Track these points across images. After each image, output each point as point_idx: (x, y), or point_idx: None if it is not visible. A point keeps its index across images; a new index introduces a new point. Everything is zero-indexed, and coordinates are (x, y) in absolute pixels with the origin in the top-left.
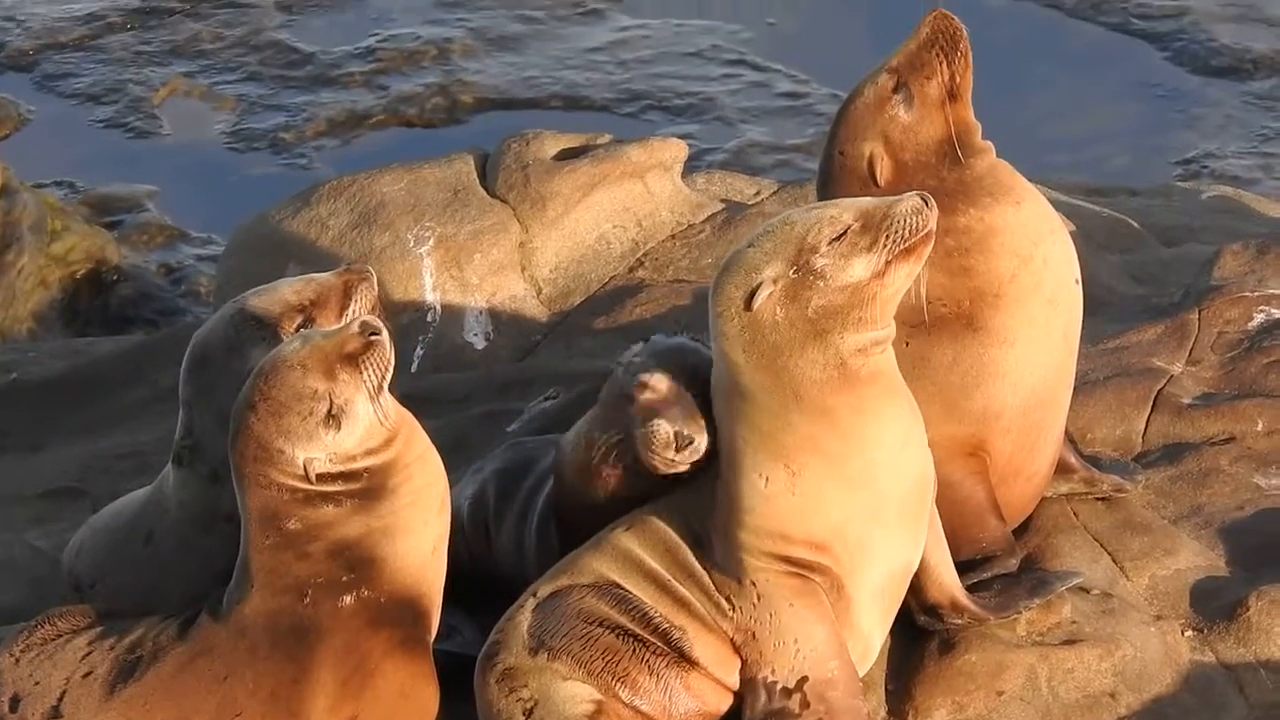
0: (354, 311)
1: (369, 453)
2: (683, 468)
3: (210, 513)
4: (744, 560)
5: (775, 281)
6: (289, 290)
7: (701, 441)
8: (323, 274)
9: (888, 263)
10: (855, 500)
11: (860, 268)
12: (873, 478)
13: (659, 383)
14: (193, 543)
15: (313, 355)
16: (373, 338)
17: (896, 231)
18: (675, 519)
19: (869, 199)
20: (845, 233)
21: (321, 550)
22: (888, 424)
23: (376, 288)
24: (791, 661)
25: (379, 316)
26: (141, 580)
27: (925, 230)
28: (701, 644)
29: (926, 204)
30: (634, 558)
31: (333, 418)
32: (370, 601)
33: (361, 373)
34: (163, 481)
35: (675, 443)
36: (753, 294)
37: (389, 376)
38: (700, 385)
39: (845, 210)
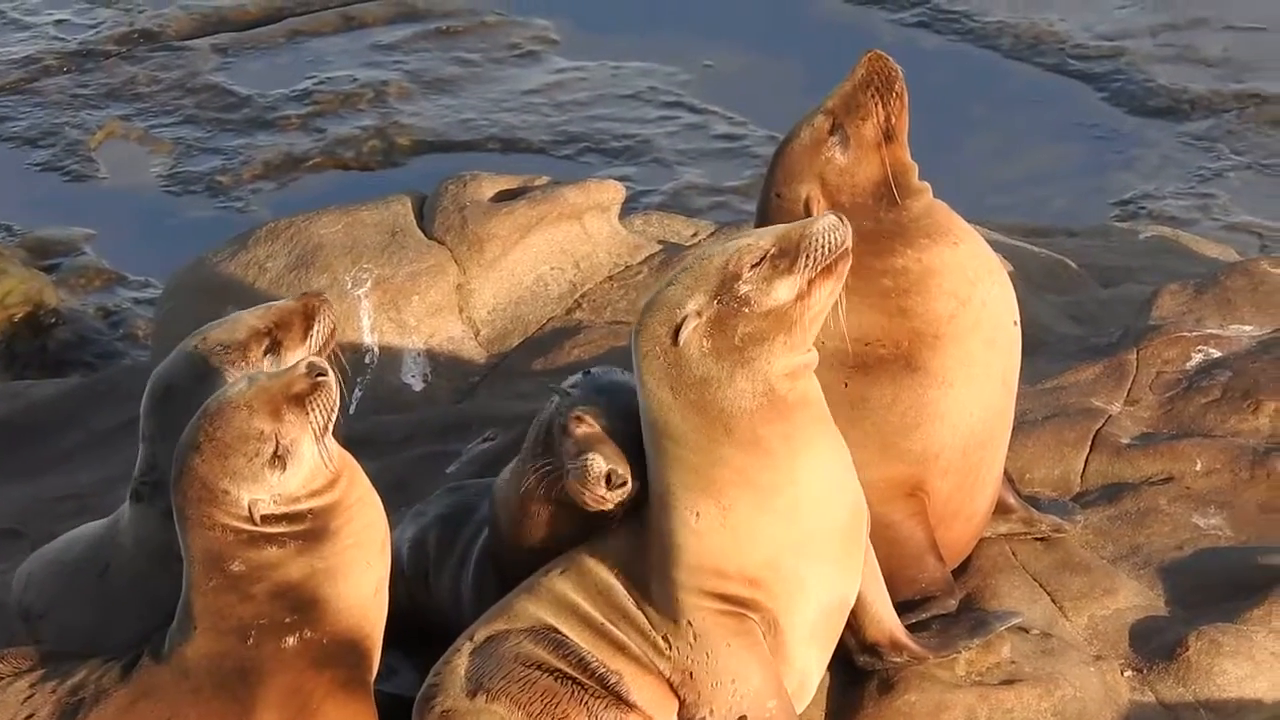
0: (317, 334)
1: (313, 494)
2: (609, 505)
3: (167, 550)
4: (680, 599)
5: (700, 314)
6: (251, 317)
7: (631, 480)
8: (282, 301)
9: (810, 282)
10: (787, 532)
11: (783, 290)
12: (804, 509)
13: (595, 418)
14: (148, 579)
15: (259, 396)
16: (319, 379)
17: (815, 250)
18: (609, 561)
19: (784, 224)
20: (764, 258)
21: (265, 592)
22: (818, 453)
23: (333, 312)
24: (730, 700)
25: (334, 341)
26: (94, 614)
27: (843, 247)
28: (638, 687)
29: (842, 221)
30: (568, 602)
31: (278, 459)
32: (313, 643)
33: (308, 414)
34: (119, 517)
35: (607, 480)
36: (678, 329)
37: (335, 417)
38: (635, 423)
39: (762, 237)
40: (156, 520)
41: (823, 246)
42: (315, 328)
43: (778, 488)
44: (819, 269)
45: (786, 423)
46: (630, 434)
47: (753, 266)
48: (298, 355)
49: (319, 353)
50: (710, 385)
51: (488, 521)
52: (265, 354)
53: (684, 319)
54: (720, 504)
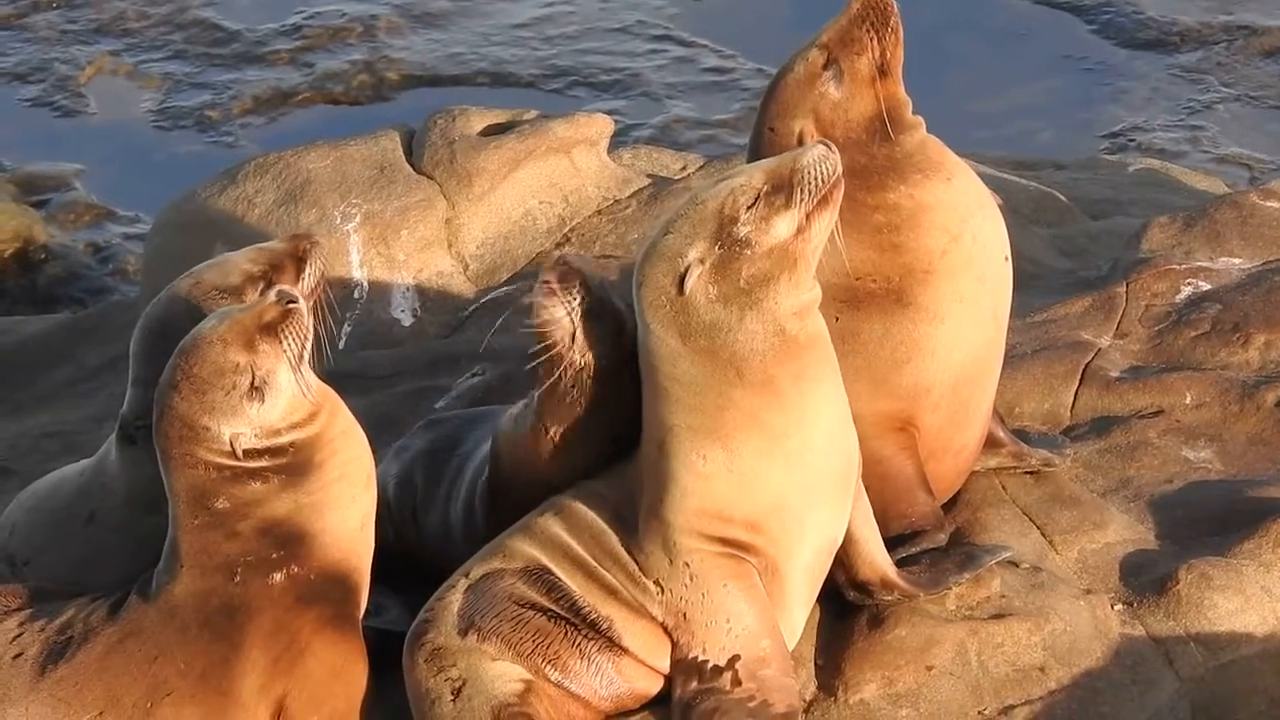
0: (309, 275)
1: (293, 426)
2: (555, 308)
3: (160, 494)
4: (677, 542)
5: (703, 261)
6: (244, 260)
7: (581, 294)
8: (272, 242)
9: (808, 215)
10: (793, 477)
11: (782, 226)
12: (810, 453)
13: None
14: (137, 524)
15: (232, 329)
16: (290, 305)
17: (809, 183)
18: (601, 502)
19: (773, 159)
20: (759, 196)
21: (250, 528)
22: (826, 394)
23: (325, 253)
24: (723, 640)
25: (324, 283)
26: (81, 561)
27: (835, 175)
28: (630, 632)
29: (830, 149)
30: (561, 543)
31: (256, 390)
32: (300, 579)
33: (281, 342)
34: (104, 461)
35: (560, 272)
36: (683, 278)
37: (309, 345)
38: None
39: (753, 175)
40: (150, 464)
41: (816, 178)
42: (306, 269)
43: (787, 430)
44: (815, 200)
45: (798, 362)
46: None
47: (749, 207)
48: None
49: (310, 295)
50: (720, 330)
51: (474, 455)
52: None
53: (688, 267)
54: (729, 447)
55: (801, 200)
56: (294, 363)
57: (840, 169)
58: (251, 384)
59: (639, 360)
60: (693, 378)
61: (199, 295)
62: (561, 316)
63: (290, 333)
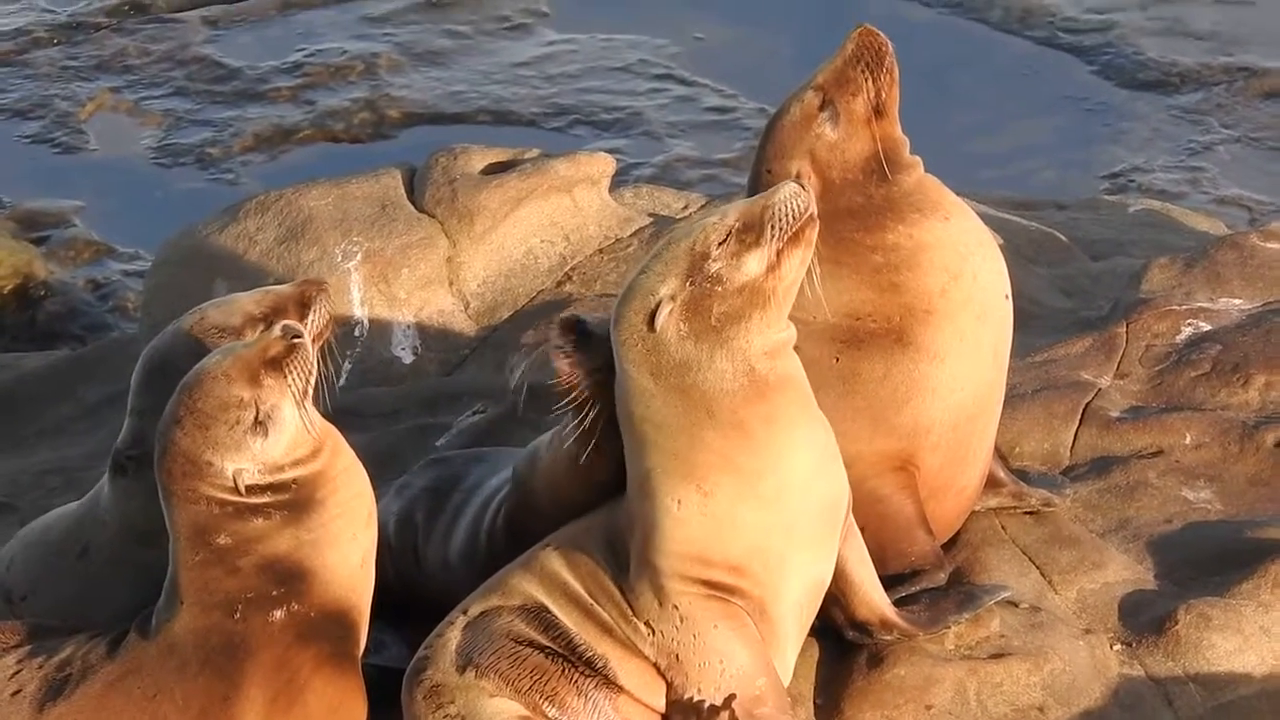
0: (312, 323)
1: (296, 463)
2: (569, 365)
3: (151, 525)
4: (664, 585)
5: (674, 297)
6: (249, 301)
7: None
8: (280, 285)
9: (778, 252)
10: (769, 519)
11: (753, 264)
12: (786, 494)
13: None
14: (131, 557)
15: (236, 364)
16: (295, 340)
17: (780, 220)
18: (598, 540)
19: (745, 199)
20: (730, 234)
21: (251, 565)
22: (800, 436)
23: (331, 299)
24: (718, 680)
25: (330, 328)
26: (75, 595)
27: (807, 213)
28: (626, 670)
29: (803, 187)
30: (559, 580)
31: (260, 425)
32: (300, 616)
33: (286, 377)
34: (99, 495)
35: (573, 329)
36: (653, 314)
37: (313, 380)
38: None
39: (726, 214)
40: (141, 496)
41: (787, 215)
42: (311, 316)
43: (760, 473)
44: (786, 238)
45: (768, 404)
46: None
47: (720, 244)
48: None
49: (315, 339)
50: (691, 368)
51: (513, 495)
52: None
53: (659, 304)
54: (702, 490)
55: (772, 237)
56: (298, 398)
57: (813, 207)
58: (256, 419)
59: (617, 403)
60: (665, 418)
61: (200, 332)
62: (579, 376)
63: (295, 368)
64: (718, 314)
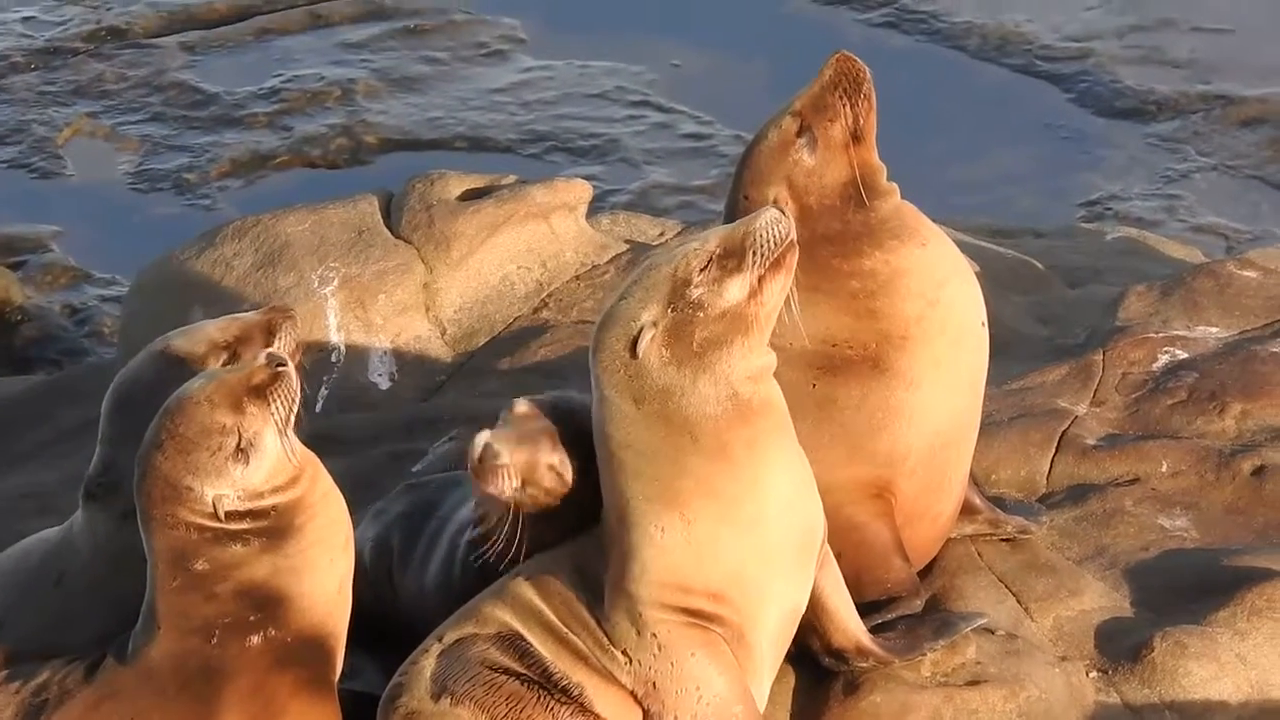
0: (279, 349)
1: (276, 490)
2: (506, 493)
3: (124, 552)
4: (642, 614)
5: (655, 324)
6: (214, 329)
7: (509, 459)
8: (247, 313)
9: (760, 278)
10: (748, 545)
11: (735, 290)
12: (765, 520)
13: (519, 407)
14: (106, 584)
15: (219, 390)
16: (279, 369)
17: (761, 246)
18: (571, 568)
19: (725, 225)
20: (711, 260)
21: (229, 591)
22: (781, 461)
23: (298, 327)
24: (695, 708)
25: (299, 355)
26: (51, 622)
27: (788, 239)
28: (601, 698)
29: (783, 214)
30: (534, 608)
31: (242, 452)
32: (277, 641)
33: (269, 404)
34: (73, 524)
35: (482, 454)
36: (635, 341)
37: (296, 409)
38: (572, 430)
39: (707, 240)
40: (113, 522)
41: (768, 240)
42: (277, 343)
43: (741, 498)
44: (767, 264)
45: (750, 428)
46: (567, 434)
47: (701, 270)
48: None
49: None
50: (674, 394)
51: (451, 519)
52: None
53: (640, 330)
54: (684, 517)
55: (754, 263)
56: (281, 426)
57: (793, 233)
58: (238, 446)
59: (593, 431)
60: (647, 444)
61: (165, 361)
62: (505, 496)
63: (279, 396)
64: (700, 339)
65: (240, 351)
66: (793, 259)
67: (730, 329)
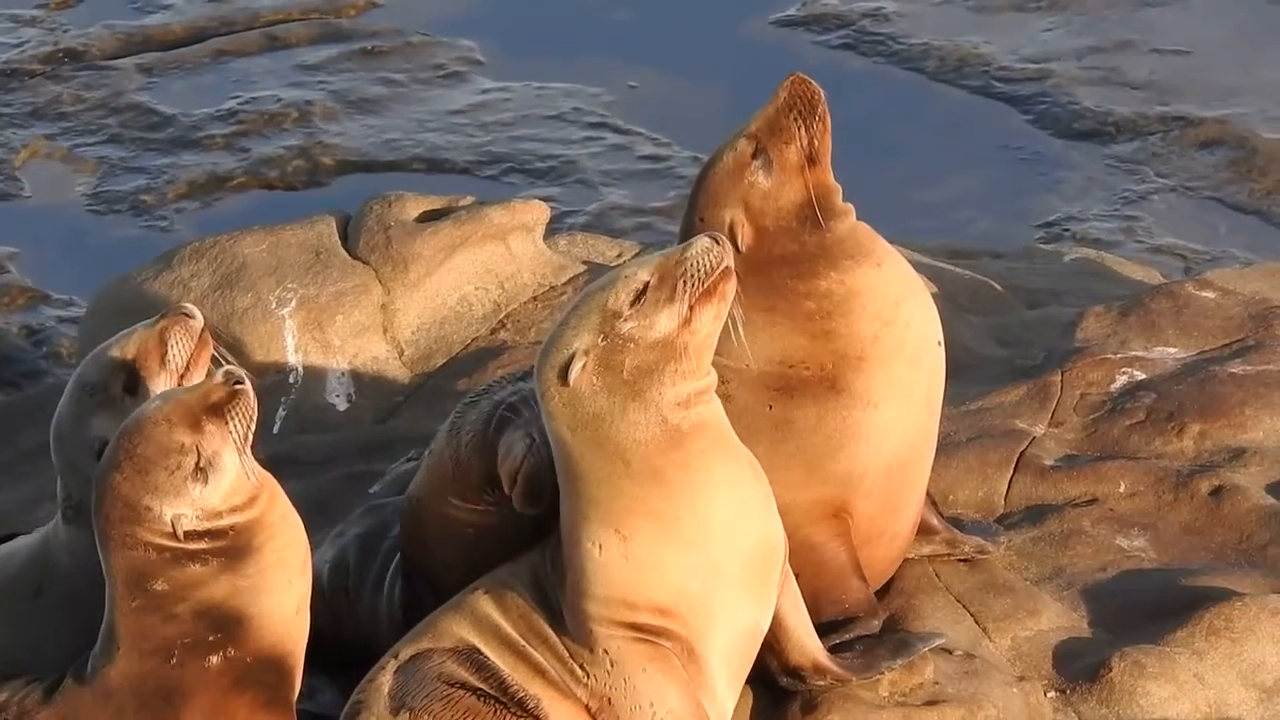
0: (173, 356)
1: (234, 510)
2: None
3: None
4: (593, 630)
5: (587, 353)
6: (115, 349)
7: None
8: (143, 324)
9: (691, 308)
10: (691, 561)
11: (665, 321)
12: (708, 537)
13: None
14: (83, 599)
15: (177, 409)
16: (236, 387)
17: (692, 275)
18: (528, 582)
19: (662, 251)
20: (644, 290)
21: (188, 611)
22: (718, 480)
23: (198, 326)
24: None
25: (216, 354)
26: (28, 635)
27: (721, 267)
28: (557, 712)
29: (717, 242)
30: (491, 622)
31: (200, 471)
32: (236, 661)
33: (228, 423)
34: (51, 537)
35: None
36: (567, 368)
37: (254, 427)
38: None
39: (641, 268)
40: (91, 539)
41: (700, 269)
42: (169, 352)
43: (677, 517)
44: (698, 294)
45: (683, 451)
46: None
47: (632, 301)
48: (159, 386)
49: (182, 377)
50: (604, 421)
51: (405, 539)
52: (124, 392)
53: (572, 358)
54: (621, 534)
55: (685, 293)
56: (239, 445)
57: (728, 260)
58: (196, 465)
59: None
60: (582, 468)
61: (75, 390)
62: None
63: (236, 414)
64: (630, 368)
65: (140, 370)
66: (727, 287)
67: (662, 357)
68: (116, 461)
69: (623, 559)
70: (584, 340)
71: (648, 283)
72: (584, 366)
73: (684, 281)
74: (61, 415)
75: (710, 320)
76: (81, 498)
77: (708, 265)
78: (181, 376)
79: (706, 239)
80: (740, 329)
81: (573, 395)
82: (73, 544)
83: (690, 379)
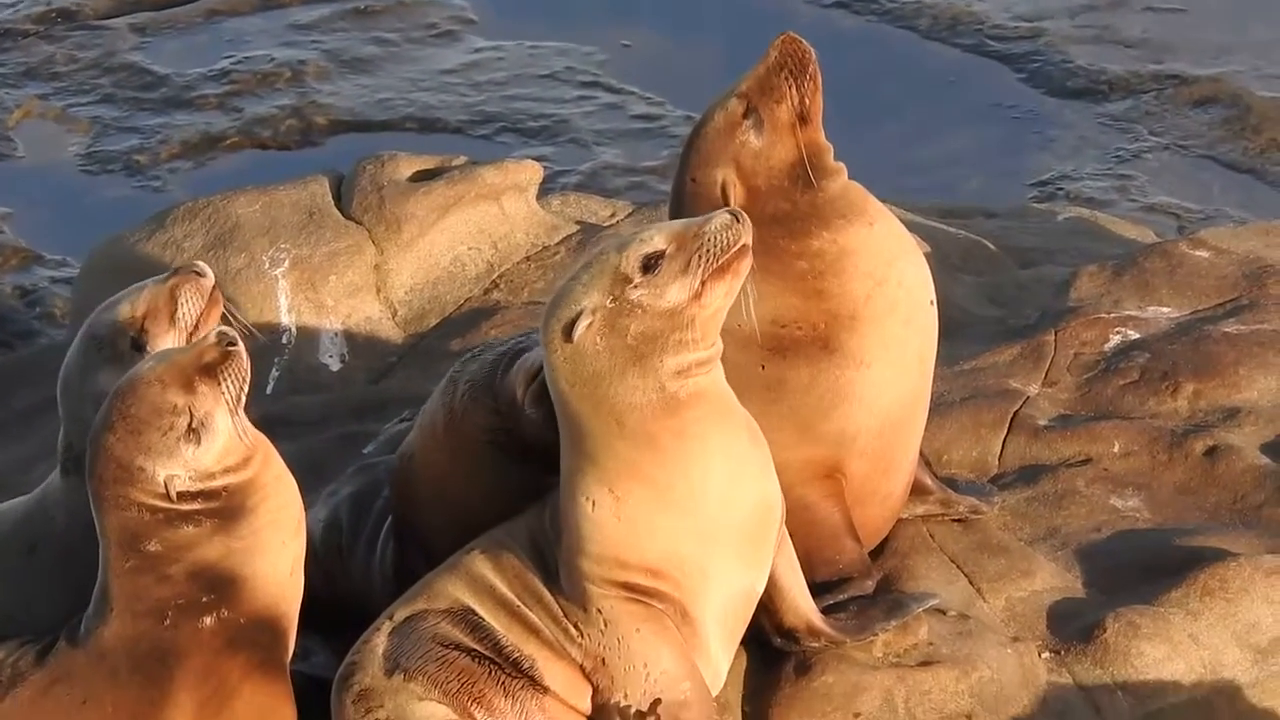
0: (183, 314)
1: (227, 471)
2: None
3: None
4: (587, 589)
5: (594, 312)
6: (125, 303)
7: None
8: (154, 280)
9: (703, 283)
10: (683, 526)
11: (676, 292)
12: (700, 503)
13: None
14: (78, 555)
15: (170, 370)
16: (229, 348)
17: (708, 251)
18: (525, 542)
19: (683, 220)
20: (659, 257)
21: (182, 572)
22: (714, 448)
23: (209, 284)
24: (643, 685)
25: (226, 312)
26: (21, 592)
27: (738, 245)
28: (552, 672)
29: (737, 219)
30: (486, 583)
31: (193, 431)
32: (230, 622)
33: (220, 384)
34: (46, 493)
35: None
36: (573, 325)
37: (247, 388)
38: None
39: (659, 233)
40: (83, 492)
41: (715, 246)
42: (179, 310)
43: (670, 484)
44: (711, 269)
45: (678, 419)
46: None
47: (645, 267)
48: (168, 343)
49: (191, 335)
50: (602, 381)
51: (394, 497)
52: (132, 348)
53: (579, 315)
54: (615, 494)
55: (699, 267)
56: (232, 405)
57: (746, 238)
58: (189, 426)
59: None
60: (580, 425)
61: (84, 347)
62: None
63: (230, 375)
64: (635, 333)
65: (147, 326)
66: (743, 264)
67: (668, 327)
68: (110, 422)
69: (615, 518)
70: (592, 299)
71: (663, 251)
72: (589, 325)
73: (699, 255)
74: (69, 365)
75: (721, 296)
76: (82, 449)
77: (725, 241)
78: (190, 334)
79: (727, 215)
80: (752, 305)
81: (575, 352)
82: (69, 496)
83: (694, 350)
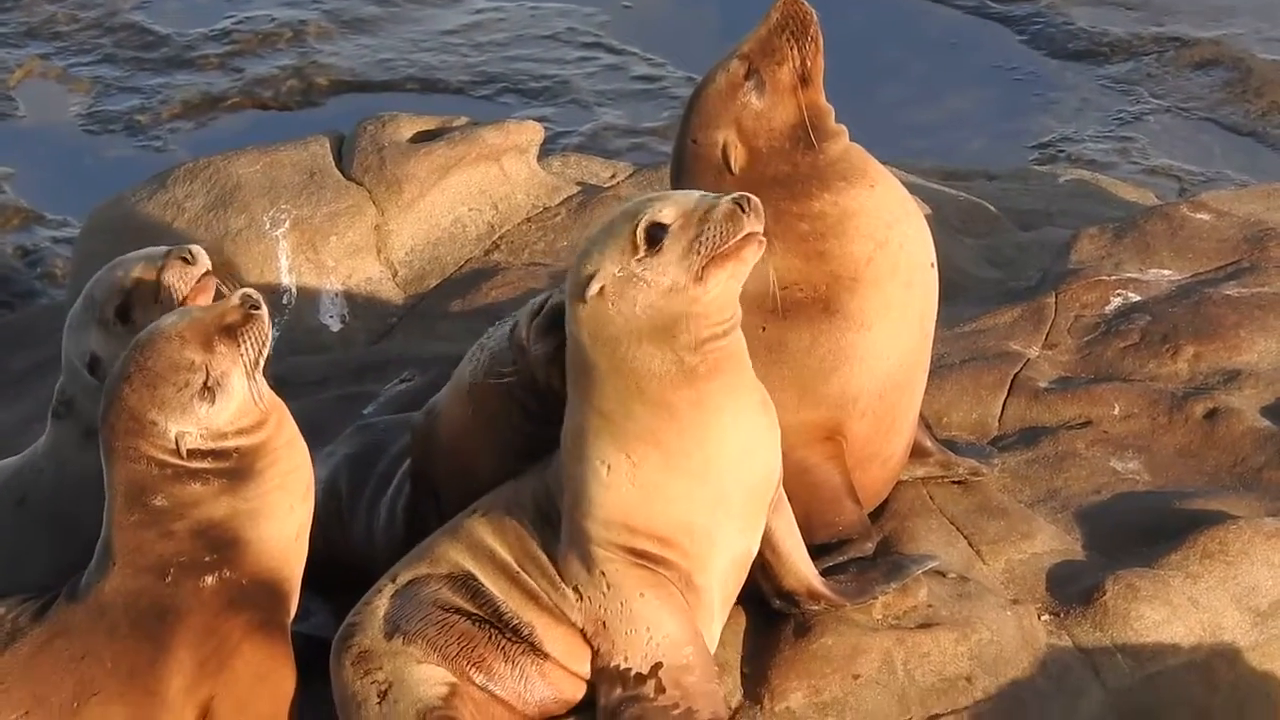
0: (165, 298)
1: (240, 432)
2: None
3: (87, 470)
4: (591, 551)
5: (605, 278)
6: (119, 271)
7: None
8: (149, 254)
9: (704, 267)
10: (697, 494)
11: (676, 273)
12: (716, 472)
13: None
14: (66, 507)
15: (191, 327)
16: (252, 311)
17: (709, 238)
18: (527, 506)
19: (698, 195)
20: (664, 233)
21: (186, 529)
22: (730, 420)
23: (196, 273)
24: (644, 648)
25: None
26: (10, 545)
27: (741, 234)
28: (552, 637)
29: (743, 206)
30: (486, 547)
31: (208, 390)
32: (231, 583)
33: (239, 345)
34: (37, 446)
35: (540, 316)
36: (587, 285)
37: (266, 352)
38: None
39: (670, 205)
40: (76, 439)
41: (717, 234)
42: (162, 294)
43: (687, 451)
44: (711, 256)
45: (697, 390)
46: None
47: (651, 240)
48: (151, 319)
49: (190, 298)
50: (620, 345)
51: (401, 460)
52: (116, 317)
53: (591, 278)
54: (630, 459)
55: (698, 252)
56: (249, 368)
57: (753, 226)
58: (205, 384)
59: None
60: (598, 379)
61: (82, 302)
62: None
63: (249, 338)
64: (643, 305)
65: (134, 300)
66: (747, 250)
67: (673, 305)
68: (127, 373)
69: (629, 483)
70: (604, 265)
71: (670, 227)
72: (600, 291)
73: (700, 240)
74: (73, 314)
75: (724, 280)
76: (72, 395)
77: (726, 231)
78: None
79: (731, 204)
80: (774, 276)
81: (595, 311)
82: (58, 441)
83: (706, 326)
